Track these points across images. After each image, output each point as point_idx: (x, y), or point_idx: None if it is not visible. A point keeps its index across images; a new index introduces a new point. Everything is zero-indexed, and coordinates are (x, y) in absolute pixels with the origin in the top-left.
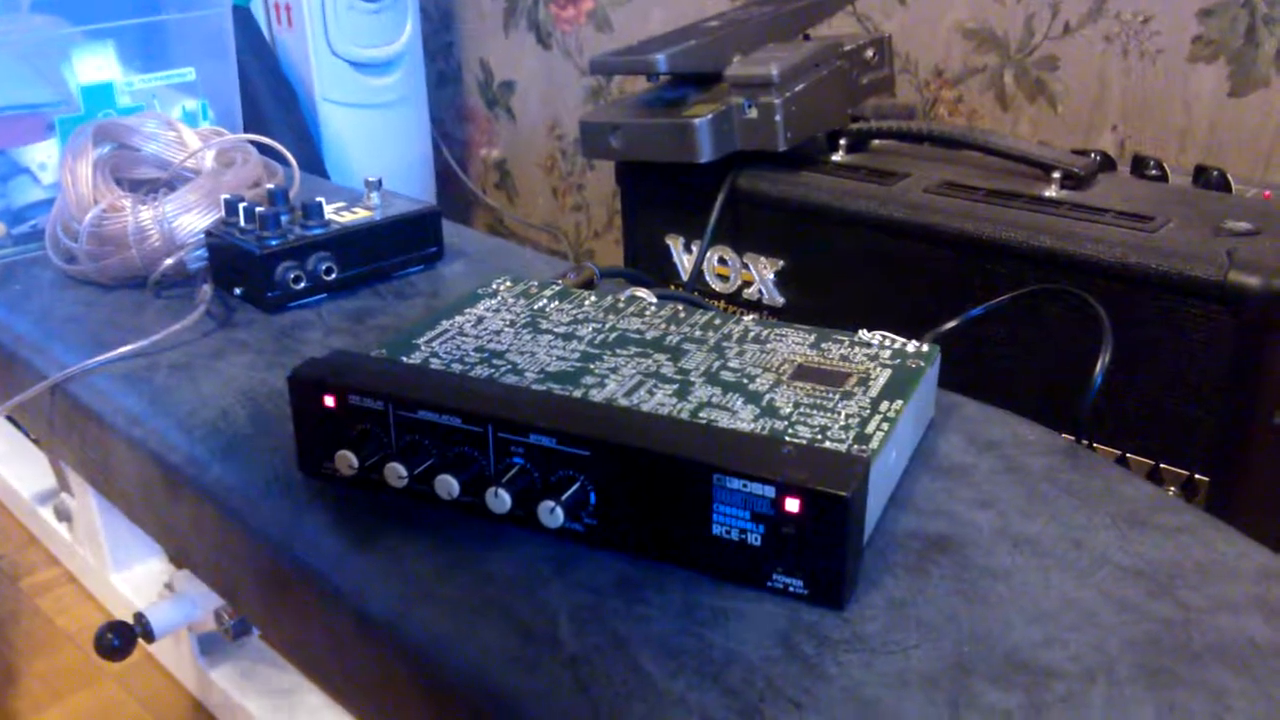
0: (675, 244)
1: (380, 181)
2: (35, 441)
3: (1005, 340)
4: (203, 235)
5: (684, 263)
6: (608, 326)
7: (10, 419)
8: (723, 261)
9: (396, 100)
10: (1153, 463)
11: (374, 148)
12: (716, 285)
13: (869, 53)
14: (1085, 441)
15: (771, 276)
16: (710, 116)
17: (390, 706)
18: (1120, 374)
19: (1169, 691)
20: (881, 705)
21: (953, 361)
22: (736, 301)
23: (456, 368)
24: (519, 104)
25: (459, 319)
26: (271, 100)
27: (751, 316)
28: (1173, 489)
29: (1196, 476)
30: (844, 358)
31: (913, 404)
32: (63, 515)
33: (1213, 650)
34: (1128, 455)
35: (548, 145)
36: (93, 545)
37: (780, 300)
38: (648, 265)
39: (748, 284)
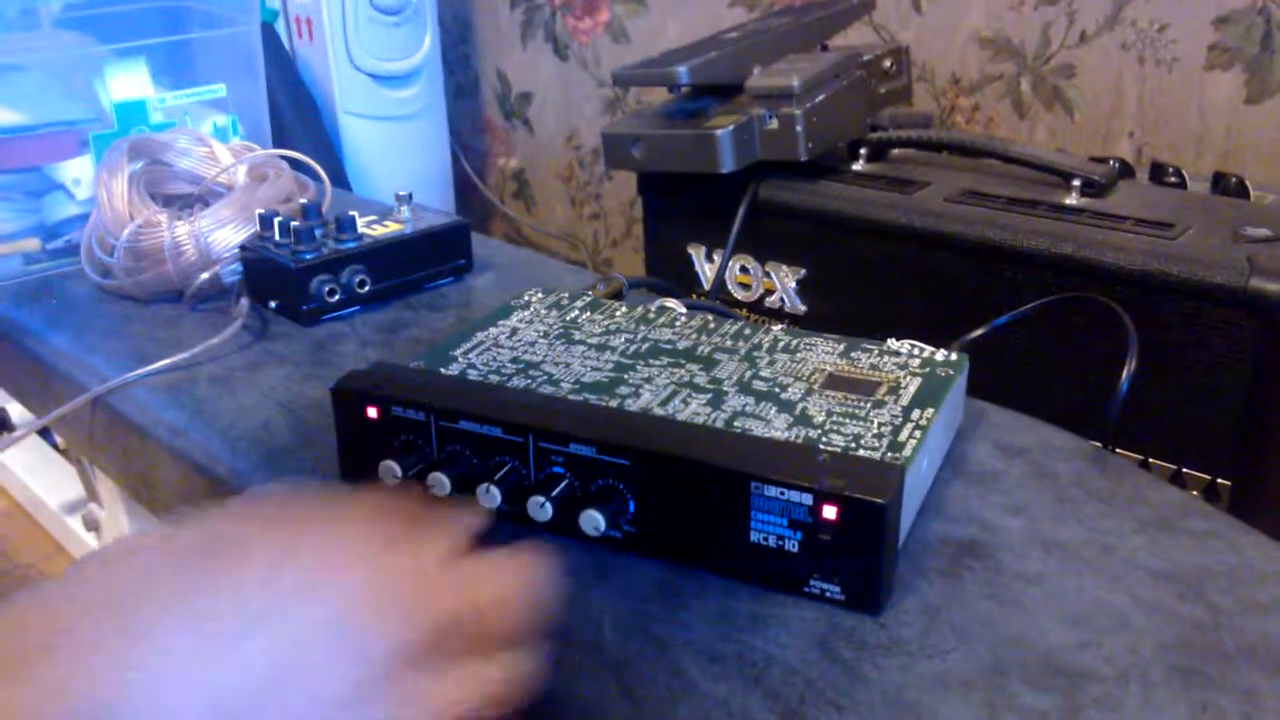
0: (697, 253)
1: (410, 195)
2: (63, 452)
3: (1028, 347)
4: (238, 250)
5: (706, 272)
6: (640, 337)
7: (37, 430)
8: (744, 270)
9: (416, 112)
10: (1175, 467)
11: (394, 159)
12: (739, 294)
13: (887, 62)
14: (1110, 447)
15: (793, 285)
16: (732, 127)
17: None
18: (1142, 379)
19: (1201, 693)
20: (921, 707)
21: (978, 368)
22: (758, 310)
23: (494, 379)
24: (536, 115)
25: (493, 330)
26: (294, 113)
27: (780, 326)
28: (1195, 493)
29: (1219, 481)
30: (874, 366)
31: (943, 412)
32: (91, 525)
33: (1243, 651)
34: (1150, 460)
35: (565, 155)
36: None
37: (802, 309)
38: (669, 274)
39: (769, 293)
